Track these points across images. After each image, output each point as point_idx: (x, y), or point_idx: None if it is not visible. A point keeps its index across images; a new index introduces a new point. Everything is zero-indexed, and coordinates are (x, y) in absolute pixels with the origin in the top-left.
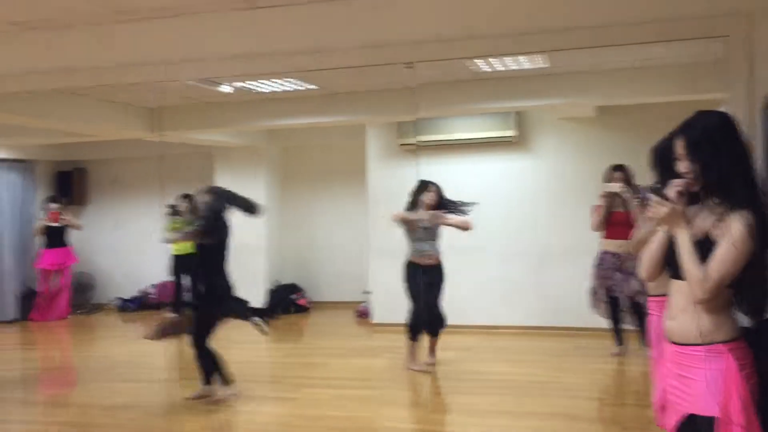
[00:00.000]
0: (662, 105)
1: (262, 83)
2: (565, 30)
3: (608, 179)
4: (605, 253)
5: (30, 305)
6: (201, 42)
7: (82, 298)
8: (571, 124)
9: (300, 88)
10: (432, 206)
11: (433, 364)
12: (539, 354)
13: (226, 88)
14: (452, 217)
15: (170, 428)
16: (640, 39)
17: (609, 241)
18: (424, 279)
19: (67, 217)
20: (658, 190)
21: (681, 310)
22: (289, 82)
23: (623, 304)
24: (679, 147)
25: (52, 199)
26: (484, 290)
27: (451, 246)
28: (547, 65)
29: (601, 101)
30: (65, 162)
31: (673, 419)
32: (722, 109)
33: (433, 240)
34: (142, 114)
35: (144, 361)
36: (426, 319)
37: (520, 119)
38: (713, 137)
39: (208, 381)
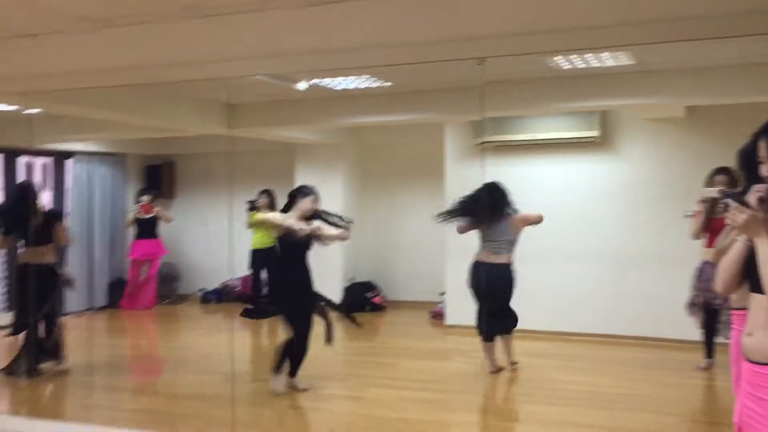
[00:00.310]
0: (759, 105)
1: (337, 80)
2: (652, 22)
3: (709, 183)
4: (705, 263)
5: (119, 294)
6: (272, 38)
7: (168, 289)
8: (659, 125)
9: (374, 85)
10: None
11: None
12: (616, 364)
13: (302, 85)
14: None
15: (238, 420)
16: (731, 32)
17: (709, 250)
18: None
19: (159, 210)
20: (738, 196)
21: (760, 326)
22: (363, 78)
23: (722, 317)
24: (762, 149)
25: (144, 192)
26: (561, 295)
27: (528, 249)
28: (632, 62)
29: (690, 101)
30: (155, 156)
31: None
32: None
33: None
34: (221, 110)
35: (222, 353)
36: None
37: (604, 119)
38: None
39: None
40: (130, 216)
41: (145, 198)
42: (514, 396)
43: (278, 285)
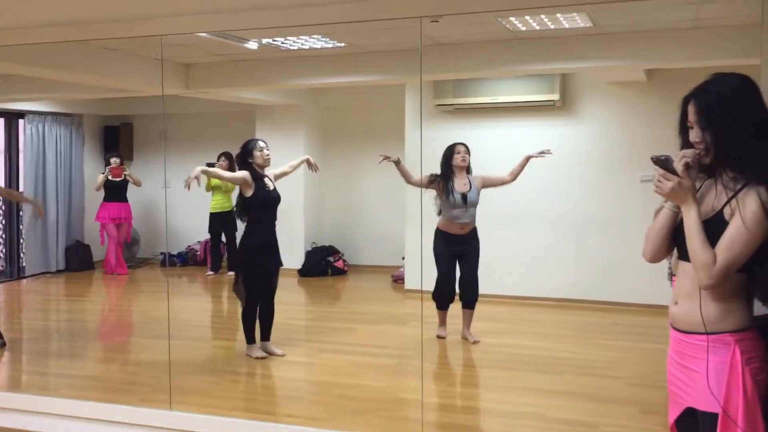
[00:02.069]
0: (719, 69)
1: (289, 40)
2: None
3: None
4: None
5: (76, 257)
6: None
7: (128, 253)
8: (620, 88)
9: (328, 45)
10: (463, 167)
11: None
12: (569, 329)
13: (251, 44)
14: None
15: (181, 387)
16: None
17: None
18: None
19: (129, 173)
20: (664, 162)
21: (686, 295)
22: (316, 39)
23: None
24: (690, 113)
25: (114, 154)
26: (520, 259)
27: (485, 213)
28: (589, 25)
29: (650, 64)
30: (112, 117)
31: (674, 412)
32: None
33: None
34: (178, 70)
35: (183, 317)
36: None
37: (565, 83)
38: (727, 103)
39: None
40: (100, 178)
41: (116, 160)
42: (466, 361)
43: (245, 245)
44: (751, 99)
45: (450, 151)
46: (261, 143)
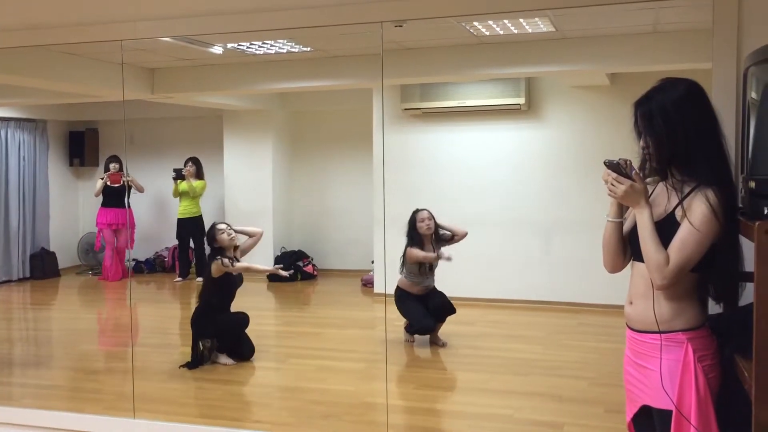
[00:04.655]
0: (681, 73)
1: (254, 45)
2: None
3: None
4: None
5: (41, 265)
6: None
7: (94, 260)
8: (584, 92)
9: (294, 50)
10: (428, 235)
11: None
12: (538, 330)
13: (216, 49)
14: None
15: (146, 396)
16: None
17: None
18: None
19: (131, 179)
20: (617, 166)
21: (640, 295)
22: (282, 43)
23: None
24: (638, 119)
25: (115, 160)
26: (488, 262)
27: (456, 217)
28: (551, 29)
29: (611, 68)
30: (77, 122)
31: (631, 410)
32: None
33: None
34: (142, 74)
35: (149, 324)
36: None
37: (530, 86)
38: (667, 109)
39: None
40: (99, 184)
41: (115, 166)
42: (434, 364)
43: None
44: (694, 104)
45: (413, 219)
46: (222, 226)
